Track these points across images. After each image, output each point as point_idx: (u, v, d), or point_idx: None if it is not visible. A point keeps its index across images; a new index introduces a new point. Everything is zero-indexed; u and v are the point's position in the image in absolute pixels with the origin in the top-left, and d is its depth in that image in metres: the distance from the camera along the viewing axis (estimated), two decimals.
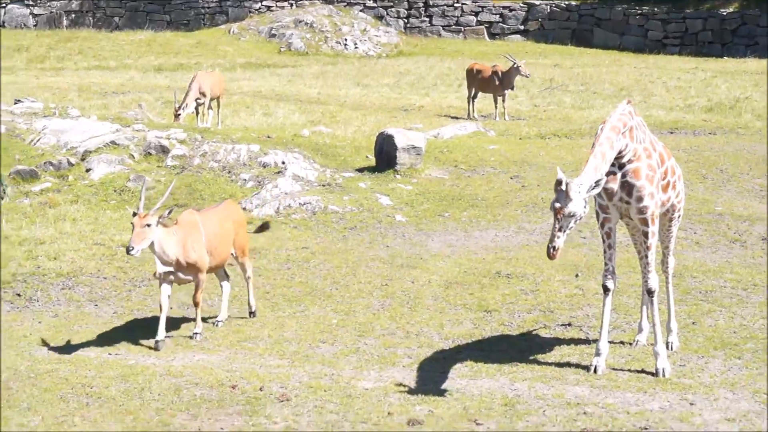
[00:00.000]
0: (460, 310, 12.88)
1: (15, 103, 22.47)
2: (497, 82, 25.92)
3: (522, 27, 44.19)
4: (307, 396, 10.04)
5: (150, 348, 11.45)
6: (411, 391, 10.16)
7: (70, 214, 16.54)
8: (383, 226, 16.83)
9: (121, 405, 9.70)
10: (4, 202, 16.93)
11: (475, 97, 26.56)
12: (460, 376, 10.60)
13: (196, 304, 11.79)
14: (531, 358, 11.06)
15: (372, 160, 19.95)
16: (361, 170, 19.46)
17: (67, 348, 11.30)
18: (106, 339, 11.72)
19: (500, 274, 14.19)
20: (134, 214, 11.02)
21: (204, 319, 12.22)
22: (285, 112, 25.90)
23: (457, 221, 17.16)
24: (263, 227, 13.57)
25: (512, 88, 26.20)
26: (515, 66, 25.59)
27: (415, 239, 16.21)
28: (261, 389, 10.15)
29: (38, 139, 19.58)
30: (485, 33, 44.32)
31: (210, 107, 23.64)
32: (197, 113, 23.47)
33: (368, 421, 9.49)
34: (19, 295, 13.44)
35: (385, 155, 19.57)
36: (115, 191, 17.88)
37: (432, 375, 10.64)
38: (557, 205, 9.73)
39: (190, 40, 42.37)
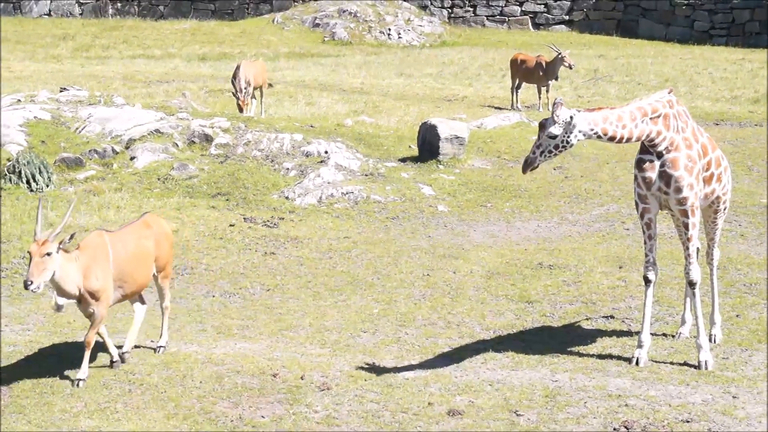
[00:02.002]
0: (502, 301, 12.84)
1: (61, 91, 22.63)
2: (541, 73, 25.78)
3: (567, 17, 43.93)
4: (347, 385, 10.05)
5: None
6: (451, 382, 10.14)
7: (114, 202, 16.64)
8: (425, 216, 16.82)
9: (163, 392, 9.75)
10: (49, 189, 17.05)
11: (518, 87, 26.45)
12: (501, 367, 10.57)
13: (87, 344, 9.84)
14: (572, 349, 11.01)
15: (415, 150, 19.93)
16: (403, 160, 19.45)
17: (111, 334, 11.34)
18: (149, 326, 11.77)
19: (542, 265, 14.14)
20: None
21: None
22: (328, 101, 25.91)
23: (499, 212, 17.11)
24: None
25: (556, 79, 26.05)
26: (559, 56, 25.43)
27: (457, 229, 16.18)
28: (302, 378, 10.17)
29: (83, 127, 19.72)
30: (529, 23, 44.11)
31: (253, 96, 23.69)
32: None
33: (408, 411, 9.48)
34: None
35: (428, 145, 19.55)
36: (158, 179, 17.97)
37: (473, 365, 10.61)
38: (542, 120, 9.90)
39: (234, 29, 42.46)
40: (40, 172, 17.20)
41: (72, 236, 9.54)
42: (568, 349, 11.00)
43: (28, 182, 17.08)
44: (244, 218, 16.30)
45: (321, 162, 18.75)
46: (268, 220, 16.24)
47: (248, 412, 9.37)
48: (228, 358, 10.69)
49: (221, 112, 22.06)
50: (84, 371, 9.81)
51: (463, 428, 9.17)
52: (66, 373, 10.07)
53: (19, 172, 17.18)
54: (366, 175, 18.45)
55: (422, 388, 9.98)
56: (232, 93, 23.03)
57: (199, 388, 9.89)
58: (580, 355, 10.85)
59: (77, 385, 9.73)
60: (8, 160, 17.77)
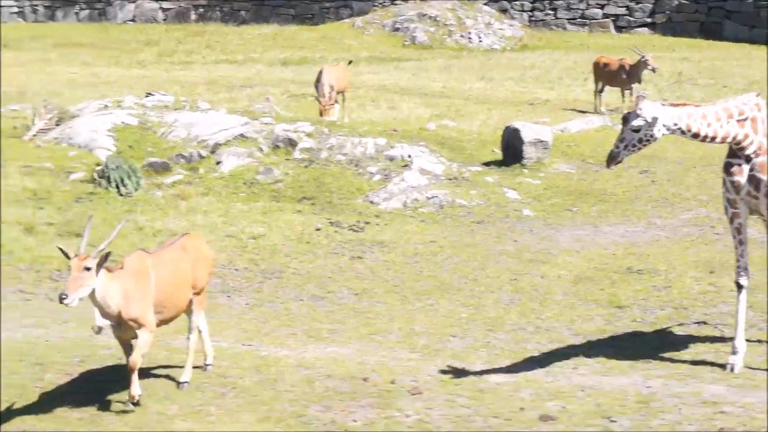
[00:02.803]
0: (591, 306, 12.74)
1: (146, 97, 22.90)
2: (624, 76, 25.55)
3: (649, 19, 43.49)
4: (438, 389, 10.03)
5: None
6: (542, 387, 10.08)
7: (202, 206, 16.81)
8: (511, 221, 16.77)
9: (256, 395, 9.81)
10: (138, 193, 17.26)
11: (601, 90, 26.25)
12: (593, 373, 10.49)
13: (130, 369, 9.37)
14: (665, 355, 10.88)
15: (498, 154, 19.89)
16: (487, 164, 19.41)
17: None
18: (239, 330, 11.87)
19: (631, 269, 14.01)
20: (67, 256, 8.93)
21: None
22: (410, 105, 25.92)
23: (585, 216, 17.00)
24: None
25: (639, 82, 25.80)
26: (643, 59, 25.18)
27: (544, 234, 16.10)
28: (392, 382, 10.17)
29: (170, 132, 19.93)
30: (611, 26, 43.75)
31: (336, 101, 23.77)
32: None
33: (500, 416, 9.44)
34: None
35: (512, 149, 19.49)
36: (244, 183, 18.11)
37: (563, 371, 10.54)
38: (625, 113, 9.79)
39: (315, 33, 42.66)
40: (129, 177, 17.41)
41: (107, 256, 8.95)
42: (660, 355, 10.88)
43: (117, 186, 17.30)
44: (330, 222, 16.37)
45: (405, 166, 18.77)
46: (353, 224, 16.30)
47: (340, 416, 9.39)
48: (319, 361, 10.73)
49: (304, 116, 22.16)
50: (135, 390, 9.38)
51: None
52: (158, 373, 10.19)
53: (108, 176, 17.41)
54: (450, 179, 18.43)
55: (513, 393, 9.94)
56: (316, 97, 23.14)
57: (291, 391, 9.94)
58: (673, 361, 10.73)
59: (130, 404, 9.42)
60: (97, 165, 18.02)
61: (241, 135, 19.70)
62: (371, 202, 17.48)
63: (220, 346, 11.17)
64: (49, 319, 11.93)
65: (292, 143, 19.52)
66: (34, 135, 20.30)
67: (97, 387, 9.95)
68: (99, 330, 9.49)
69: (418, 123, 22.89)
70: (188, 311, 10.09)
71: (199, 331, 10.27)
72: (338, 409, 9.54)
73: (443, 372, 10.51)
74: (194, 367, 10.10)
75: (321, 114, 22.57)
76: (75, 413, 9.37)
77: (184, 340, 10.39)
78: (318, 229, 16.03)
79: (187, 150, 19.18)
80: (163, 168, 18.50)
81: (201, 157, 19.02)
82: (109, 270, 9.09)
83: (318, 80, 23.21)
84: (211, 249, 10.63)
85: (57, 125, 20.72)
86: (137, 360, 9.34)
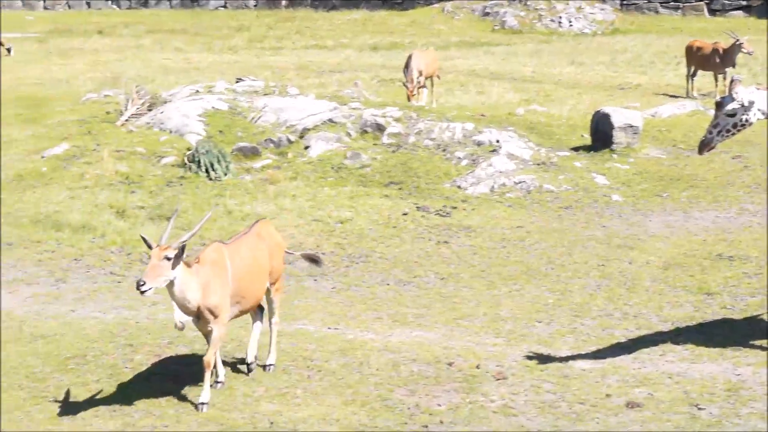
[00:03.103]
0: (680, 293, 12.59)
1: (237, 82, 23.09)
2: (718, 60, 25.14)
3: (744, 2, 42.72)
4: (523, 375, 10.01)
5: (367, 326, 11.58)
6: (629, 373, 10.01)
7: (290, 191, 16.91)
8: (599, 206, 16.61)
9: (341, 378, 9.87)
10: (227, 178, 17.43)
11: (694, 75, 25.87)
12: (681, 360, 10.37)
13: (206, 365, 9.22)
14: (755, 343, 10.72)
15: (587, 139, 19.70)
16: (576, 149, 19.24)
17: (289, 321, 11.55)
18: (325, 313, 11.94)
19: (722, 256, 13.82)
20: (149, 245, 8.90)
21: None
22: (499, 90, 25.81)
23: (675, 201, 16.78)
24: (312, 259, 10.96)
25: (733, 66, 25.37)
26: (737, 43, 24.76)
27: (633, 219, 15.93)
28: (477, 367, 10.17)
29: (259, 117, 20.09)
30: (705, 9, 43.08)
31: (424, 85, 23.75)
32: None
33: (586, 402, 9.39)
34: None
35: (601, 134, 19.30)
36: (332, 168, 18.18)
37: (651, 357, 10.45)
38: (718, 98, 9.66)
39: (404, 18, 42.65)
40: (219, 161, 17.58)
41: (183, 248, 8.85)
42: (751, 343, 10.72)
43: (207, 171, 17.48)
44: (417, 207, 16.38)
45: (493, 151, 18.68)
46: (440, 209, 16.28)
47: (425, 400, 9.42)
48: (404, 346, 10.76)
49: (393, 101, 22.17)
50: (206, 395, 9.23)
51: (643, 421, 9.03)
52: (244, 356, 10.30)
53: (198, 161, 17.60)
54: (538, 164, 18.31)
55: (599, 380, 9.87)
56: (403, 83, 23.14)
57: (376, 375, 9.98)
58: (763, 348, 10.56)
59: (201, 409, 9.21)
60: (188, 149, 18.23)
61: (330, 120, 19.78)
62: (458, 187, 17.44)
63: (307, 330, 11.26)
64: (139, 301, 12.10)
65: (380, 128, 19.55)
66: (127, 120, 20.60)
67: (185, 368, 10.09)
68: (182, 326, 9.52)
69: (506, 108, 22.78)
70: (268, 300, 10.08)
71: (273, 323, 10.21)
72: (423, 393, 9.57)
73: (529, 357, 10.48)
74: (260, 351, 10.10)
75: (409, 99, 22.58)
76: (163, 394, 9.51)
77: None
78: (405, 214, 16.05)
79: (276, 135, 19.31)
80: (253, 152, 18.65)
81: (290, 141, 19.14)
82: (187, 264, 8.98)
83: (407, 65, 23.21)
84: (280, 236, 10.57)
85: (149, 110, 21.01)
86: (211, 358, 9.20)
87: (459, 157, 18.57)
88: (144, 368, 10.20)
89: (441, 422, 8.94)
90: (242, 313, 9.67)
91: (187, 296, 8.95)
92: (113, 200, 16.16)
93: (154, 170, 17.70)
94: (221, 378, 9.68)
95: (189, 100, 20.93)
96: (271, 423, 8.85)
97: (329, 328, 11.33)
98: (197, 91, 21.90)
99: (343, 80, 27.15)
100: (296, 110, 20.27)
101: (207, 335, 9.33)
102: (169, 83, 25.17)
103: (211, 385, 9.35)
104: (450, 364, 10.24)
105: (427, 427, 8.86)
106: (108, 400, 9.36)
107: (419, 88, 23.28)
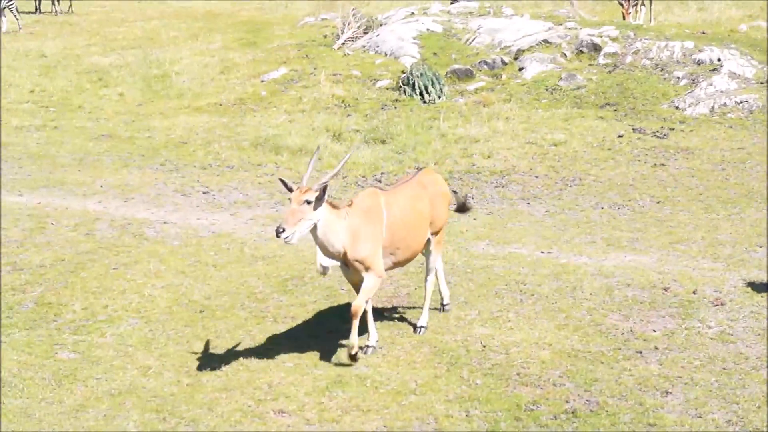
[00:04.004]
0: None
1: (452, 3, 23.04)
2: None
3: None
4: (742, 301, 9.76)
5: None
6: None
7: (503, 113, 16.84)
8: None
9: (554, 303, 9.84)
10: (441, 101, 17.49)
11: None
12: None
13: (353, 313, 8.52)
14: None
15: None
16: None
17: (501, 245, 11.58)
18: (539, 237, 11.90)
19: None
20: (289, 188, 8.15)
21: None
22: (720, 6, 24.96)
23: None
24: (463, 208, 10.07)
25: None
26: None
27: None
28: (694, 292, 9.97)
29: (473, 39, 20.02)
30: None
31: (642, 3, 23.17)
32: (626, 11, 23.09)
33: None
34: (455, 192, 13.87)
35: None
36: (546, 90, 18.00)
37: None
38: None
39: None
40: (432, 84, 17.65)
41: (325, 188, 8.10)
42: None
43: (421, 94, 17.58)
44: (633, 129, 16.08)
45: (713, 70, 18.13)
46: (657, 131, 15.94)
47: (639, 326, 9.30)
48: (618, 270, 10.64)
49: (609, 20, 21.73)
50: (354, 340, 8.53)
51: None
52: (457, 280, 10.38)
53: (413, 84, 17.70)
54: (761, 83, 17.67)
55: None
56: (618, 1, 22.64)
57: (589, 300, 9.91)
58: None
59: (365, 352, 8.80)
60: (402, 72, 18.35)
61: (545, 41, 19.55)
62: (676, 108, 17.03)
63: (520, 253, 11.25)
64: None
65: (596, 48, 19.21)
66: (343, 43, 20.86)
67: (401, 290, 10.24)
68: (324, 270, 8.61)
69: (728, 24, 22.04)
70: (426, 252, 9.31)
71: (436, 272, 9.55)
72: (637, 319, 9.45)
73: (748, 284, 10.20)
74: (433, 309, 9.48)
75: (624, 17, 22.08)
76: (378, 317, 9.67)
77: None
78: (620, 136, 15.78)
79: (490, 56, 19.22)
80: (466, 75, 18.63)
81: (504, 63, 19.02)
82: (334, 206, 8.34)
83: None
84: (447, 184, 9.69)
85: (364, 33, 21.21)
86: (360, 305, 8.53)
87: (678, 77, 18.10)
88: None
89: (656, 348, 8.83)
90: (397, 265, 8.95)
91: (330, 239, 8.28)
92: (329, 123, 16.45)
93: (369, 93, 17.90)
94: (372, 342, 8.92)
95: (404, 23, 21.02)
96: (484, 346, 8.91)
97: (542, 252, 11.29)
98: (412, 13, 21.97)
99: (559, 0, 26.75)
100: (511, 31, 20.12)
101: (357, 287, 8.67)
102: (384, 6, 25.32)
103: (361, 349, 8.72)
104: (665, 289, 10.08)
105: (641, 352, 8.76)
106: (324, 321, 9.59)
107: (637, 5, 22.72)
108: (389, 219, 8.63)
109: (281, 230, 7.88)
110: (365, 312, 8.86)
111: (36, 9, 29.22)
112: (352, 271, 8.52)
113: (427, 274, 9.46)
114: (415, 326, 9.31)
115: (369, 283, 8.51)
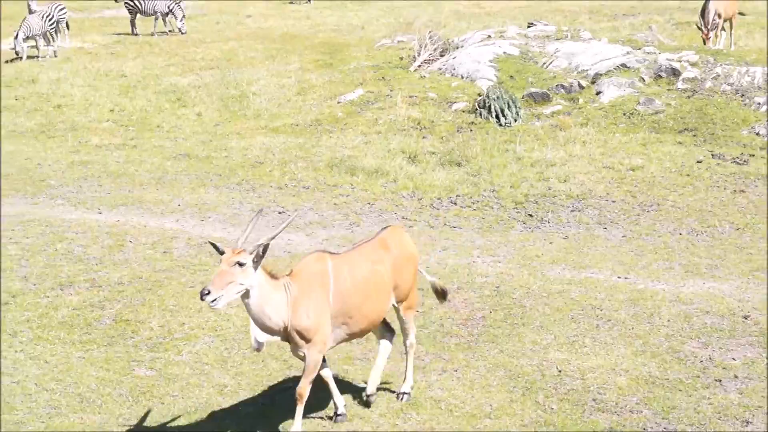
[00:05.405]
0: None
1: (528, 27, 22.98)
2: None
3: None
4: None
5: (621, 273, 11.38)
6: None
7: (580, 137, 16.74)
8: None
9: (631, 329, 9.74)
10: (517, 123, 17.43)
11: None
12: None
13: (298, 396, 7.73)
14: None
15: None
16: None
17: (578, 269, 11.49)
18: (615, 262, 11.79)
19: None
20: (220, 251, 7.32)
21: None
22: None
23: None
24: (440, 294, 8.83)
25: None
26: None
27: None
28: None
29: (550, 62, 19.94)
30: None
31: (723, 29, 22.92)
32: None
33: None
34: (531, 215, 13.82)
35: None
36: (624, 114, 17.86)
37: None
38: None
39: None
40: (509, 107, 17.59)
41: (265, 249, 7.32)
42: None
43: (497, 117, 17.52)
44: (712, 154, 15.89)
45: None
46: (737, 157, 15.74)
47: (718, 354, 9.17)
48: (696, 297, 10.50)
49: (689, 45, 21.54)
50: (298, 426, 7.78)
51: None
52: (534, 303, 10.31)
53: (489, 106, 17.66)
54: None
55: None
56: (697, 26, 22.42)
57: (667, 326, 9.80)
58: None
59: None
60: (479, 95, 18.32)
61: (623, 65, 19.41)
62: (757, 134, 16.80)
63: (596, 278, 11.16)
64: (429, 246, 12.32)
65: (675, 73, 19.03)
66: (419, 65, 20.89)
67: (479, 309, 10.22)
68: (259, 346, 7.79)
69: None
70: (397, 316, 8.45)
71: (409, 345, 8.58)
72: (716, 346, 9.33)
73: None
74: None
75: (704, 42, 21.86)
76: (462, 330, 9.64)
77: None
78: (699, 162, 15.61)
79: (567, 80, 19.12)
80: (543, 98, 18.55)
81: (581, 87, 18.92)
82: (273, 276, 7.54)
83: (704, 8, 22.43)
84: (414, 243, 8.70)
85: (441, 56, 21.22)
86: (304, 388, 7.71)
87: (758, 103, 17.87)
88: (429, 309, 10.37)
89: (735, 377, 8.70)
90: (353, 336, 8.08)
91: (266, 311, 7.46)
92: (405, 145, 16.47)
93: (445, 116, 17.89)
94: (341, 410, 8.14)
95: (480, 46, 21.01)
96: (560, 371, 8.84)
97: (619, 278, 11.19)
98: (489, 36, 21.95)
99: (637, 24, 26.53)
100: (588, 55, 20.00)
101: (302, 359, 7.81)
102: (461, 29, 25.32)
103: (330, 417, 8.14)
104: (745, 317, 9.93)
105: (720, 381, 8.64)
106: (400, 342, 9.58)
107: (717, 30, 22.48)
108: (336, 286, 7.75)
109: (206, 292, 7.07)
110: (326, 383, 8.07)
111: (131, 30, 28.17)
112: (293, 346, 7.70)
113: (405, 337, 8.55)
114: (397, 394, 8.53)
115: (311, 360, 7.65)
